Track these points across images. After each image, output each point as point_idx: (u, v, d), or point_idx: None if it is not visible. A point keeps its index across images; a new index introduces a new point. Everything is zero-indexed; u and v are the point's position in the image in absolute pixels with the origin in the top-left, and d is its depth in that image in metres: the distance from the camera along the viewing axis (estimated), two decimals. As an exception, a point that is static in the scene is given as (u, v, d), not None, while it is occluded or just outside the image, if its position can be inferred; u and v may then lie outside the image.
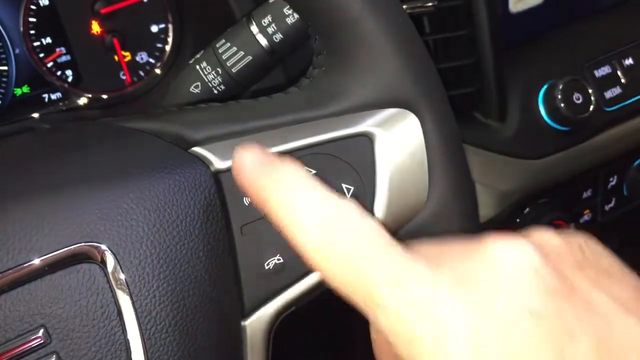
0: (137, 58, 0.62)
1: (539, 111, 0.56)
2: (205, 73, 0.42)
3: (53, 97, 0.60)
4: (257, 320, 0.30)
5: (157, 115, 0.32)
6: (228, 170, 0.30)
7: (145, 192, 0.27)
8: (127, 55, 0.62)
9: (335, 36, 0.31)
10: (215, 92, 0.42)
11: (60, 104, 0.60)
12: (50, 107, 0.60)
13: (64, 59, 0.60)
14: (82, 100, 0.61)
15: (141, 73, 0.62)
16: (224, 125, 0.31)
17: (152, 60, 0.62)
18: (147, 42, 0.62)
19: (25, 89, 0.59)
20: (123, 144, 0.30)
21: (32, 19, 0.58)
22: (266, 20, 0.40)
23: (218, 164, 0.30)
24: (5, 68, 0.58)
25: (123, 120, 0.32)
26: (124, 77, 0.62)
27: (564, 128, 0.55)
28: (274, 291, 0.30)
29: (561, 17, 0.60)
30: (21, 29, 0.58)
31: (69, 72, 0.60)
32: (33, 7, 0.58)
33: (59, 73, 0.60)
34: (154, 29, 0.62)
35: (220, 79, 0.41)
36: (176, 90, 0.44)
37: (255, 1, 0.55)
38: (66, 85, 0.60)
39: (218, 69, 0.41)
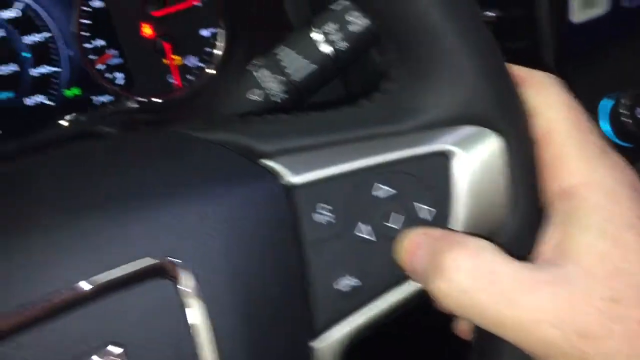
0: (187, 62, 0.62)
1: (600, 126, 0.54)
2: (264, 80, 0.41)
3: (103, 99, 0.60)
4: (326, 342, 0.28)
5: (224, 125, 0.32)
6: (300, 184, 0.29)
7: (217, 205, 0.27)
8: (177, 59, 0.61)
9: (414, 48, 0.30)
10: (274, 100, 0.42)
11: (110, 106, 0.60)
12: (100, 110, 0.60)
13: (115, 61, 0.60)
14: (132, 104, 0.60)
15: (191, 77, 0.62)
16: (295, 138, 0.30)
17: (202, 65, 0.62)
18: (197, 47, 0.62)
19: (76, 90, 0.59)
20: (193, 155, 0.29)
21: (85, 21, 0.58)
22: (330, 28, 0.39)
23: (290, 177, 0.29)
24: (57, 69, 0.58)
25: (190, 129, 0.31)
26: (173, 81, 0.62)
27: (627, 144, 0.53)
28: (345, 313, 0.29)
29: (625, 29, 0.58)
30: (74, 30, 0.58)
31: (119, 75, 0.60)
32: (86, 9, 0.58)
33: (110, 76, 0.60)
34: (205, 33, 0.62)
35: (280, 87, 0.40)
36: (232, 97, 0.44)
37: (311, 7, 0.54)
38: (117, 88, 0.60)
39: (278, 76, 0.40)
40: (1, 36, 0.56)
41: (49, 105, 0.58)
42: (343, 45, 0.39)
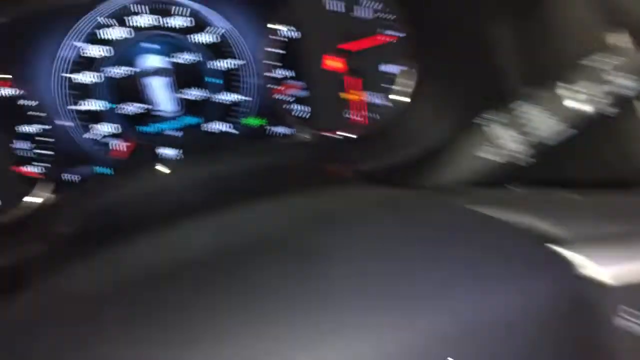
0: (371, 99, 0.59)
1: None
2: (505, 139, 0.37)
3: (283, 130, 0.59)
4: None
5: (509, 201, 0.28)
6: (601, 280, 0.24)
7: (516, 297, 0.23)
8: (361, 96, 0.59)
9: None
10: (514, 160, 0.37)
11: (289, 137, 0.59)
12: (278, 140, 0.59)
13: (299, 93, 0.58)
14: (310, 136, 0.59)
15: (373, 115, 0.59)
16: (593, 224, 0.25)
17: (385, 103, 0.59)
18: (382, 84, 0.59)
19: (259, 120, 0.58)
20: (483, 237, 0.25)
21: (275, 51, 0.57)
22: (594, 88, 0.34)
23: (590, 270, 0.24)
24: (246, 98, 0.58)
25: (461, 199, 0.28)
26: (354, 117, 0.59)
27: None
28: None
29: None
30: (263, 60, 0.57)
31: (302, 107, 0.58)
32: (278, 39, 0.57)
33: (292, 107, 0.58)
34: (393, 70, 0.59)
35: (526, 149, 0.36)
36: (459, 151, 0.40)
37: (542, 60, 0.50)
38: (297, 120, 0.58)
39: (523, 137, 0.36)
40: (196, 61, 0.56)
41: (230, 132, 0.58)
42: (609, 109, 0.34)
